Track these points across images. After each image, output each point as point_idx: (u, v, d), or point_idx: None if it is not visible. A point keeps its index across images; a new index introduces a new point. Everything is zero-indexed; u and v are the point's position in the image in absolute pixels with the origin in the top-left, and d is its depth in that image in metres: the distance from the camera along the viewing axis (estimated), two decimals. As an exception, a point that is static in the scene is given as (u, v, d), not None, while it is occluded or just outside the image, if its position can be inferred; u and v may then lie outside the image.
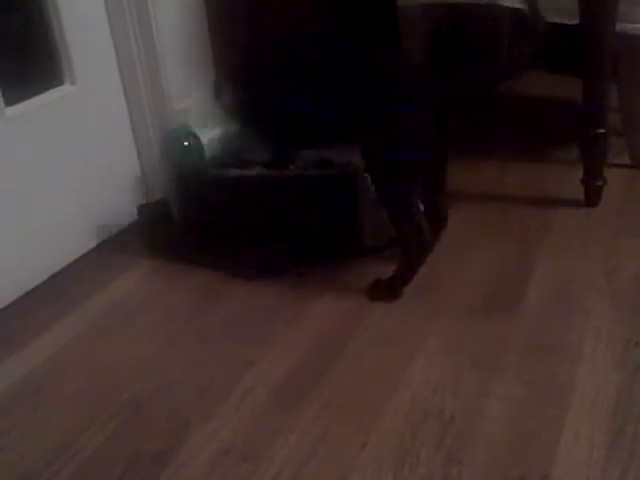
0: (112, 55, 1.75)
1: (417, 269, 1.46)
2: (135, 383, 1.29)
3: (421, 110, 1.38)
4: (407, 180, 1.41)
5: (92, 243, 1.73)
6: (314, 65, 1.49)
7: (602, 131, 1.66)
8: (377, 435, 1.13)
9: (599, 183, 1.70)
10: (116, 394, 1.27)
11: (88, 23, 1.68)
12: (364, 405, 1.20)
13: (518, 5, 1.82)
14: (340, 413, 1.19)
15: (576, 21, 1.67)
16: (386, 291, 1.46)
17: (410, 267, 1.46)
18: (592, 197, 1.71)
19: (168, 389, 1.28)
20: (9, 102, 1.53)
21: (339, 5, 2.10)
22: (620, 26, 1.67)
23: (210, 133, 1.75)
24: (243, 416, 1.20)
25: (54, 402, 1.27)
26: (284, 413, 1.19)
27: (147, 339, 1.42)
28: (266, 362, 1.32)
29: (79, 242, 1.70)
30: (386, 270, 1.47)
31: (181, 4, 1.82)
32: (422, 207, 1.49)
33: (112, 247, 1.74)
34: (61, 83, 1.66)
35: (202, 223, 1.65)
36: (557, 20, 1.79)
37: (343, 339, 1.35)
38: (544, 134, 2.10)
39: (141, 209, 1.76)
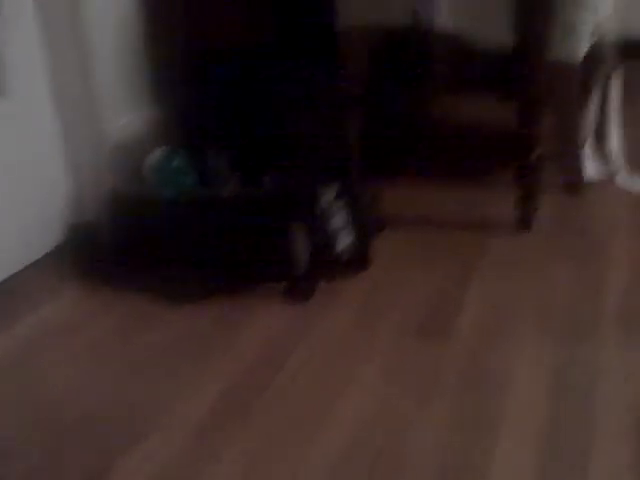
0: (46, 71, 1.71)
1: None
2: (57, 410, 1.25)
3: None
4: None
5: (20, 264, 1.67)
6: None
7: (536, 156, 1.69)
8: (307, 467, 1.11)
9: (532, 207, 1.73)
10: (37, 422, 1.22)
11: (21, 38, 1.64)
12: (293, 437, 1.18)
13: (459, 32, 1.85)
14: (268, 446, 1.16)
15: (510, 48, 1.70)
16: (295, 293, 1.53)
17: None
18: (525, 221, 1.73)
19: (89, 419, 1.23)
20: None
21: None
22: (554, 54, 1.71)
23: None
24: (169, 448, 1.16)
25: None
26: (211, 445, 1.16)
27: (73, 365, 1.37)
28: (193, 391, 1.29)
29: (7, 263, 1.64)
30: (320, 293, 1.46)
31: (116, 20, 1.79)
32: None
33: (41, 268, 1.68)
34: (-9, 99, 1.61)
35: (134, 245, 1.61)
36: (492, 46, 1.82)
37: (277, 366, 1.33)
38: (480, 159, 2.12)
39: (72, 229, 1.72)
